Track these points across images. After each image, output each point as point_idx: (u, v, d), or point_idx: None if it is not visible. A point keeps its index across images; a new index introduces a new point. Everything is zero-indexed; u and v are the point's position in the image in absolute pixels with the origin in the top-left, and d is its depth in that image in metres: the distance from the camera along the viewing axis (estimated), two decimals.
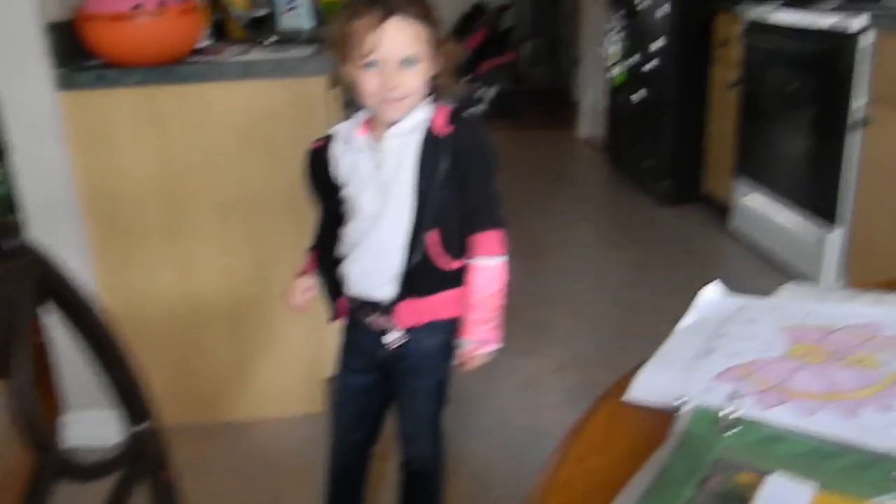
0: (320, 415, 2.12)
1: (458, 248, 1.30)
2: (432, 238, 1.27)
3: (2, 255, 0.45)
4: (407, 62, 1.19)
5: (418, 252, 1.27)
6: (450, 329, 1.36)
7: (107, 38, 1.82)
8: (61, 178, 1.88)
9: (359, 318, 1.38)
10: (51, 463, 0.48)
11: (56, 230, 1.89)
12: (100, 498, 0.61)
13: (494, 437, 2.03)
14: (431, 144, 1.25)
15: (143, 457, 0.59)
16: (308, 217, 1.96)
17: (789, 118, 2.88)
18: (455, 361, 1.35)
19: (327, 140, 1.35)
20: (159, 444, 0.61)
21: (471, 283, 1.30)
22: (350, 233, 1.33)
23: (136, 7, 1.76)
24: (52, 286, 0.50)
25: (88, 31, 1.83)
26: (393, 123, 1.25)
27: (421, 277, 1.29)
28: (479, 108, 5.93)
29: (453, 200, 1.27)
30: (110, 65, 1.87)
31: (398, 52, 1.18)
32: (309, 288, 1.42)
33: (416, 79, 1.22)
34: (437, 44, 1.24)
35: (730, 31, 3.32)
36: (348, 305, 1.40)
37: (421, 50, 1.21)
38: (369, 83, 1.21)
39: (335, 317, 1.43)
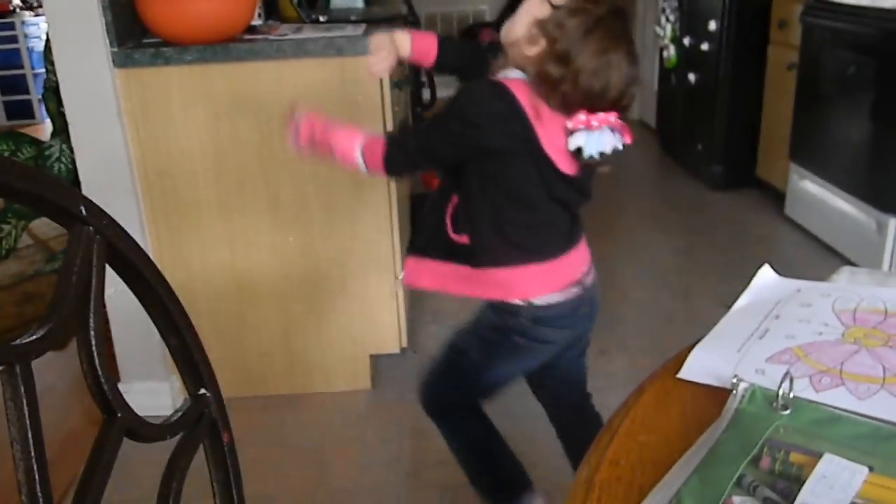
0: (366, 391, 2.15)
1: (469, 223, 1.28)
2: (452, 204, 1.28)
3: (79, 220, 0.47)
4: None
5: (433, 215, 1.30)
6: (499, 312, 1.34)
7: (163, 17, 1.85)
8: (118, 155, 1.92)
9: None
10: (119, 423, 0.50)
11: (112, 205, 1.91)
12: (157, 459, 0.63)
13: (539, 419, 2.03)
14: None
15: (204, 420, 0.61)
16: (354, 197, 1.99)
17: (848, 102, 2.80)
18: None
19: None
20: (219, 408, 0.63)
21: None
22: None
23: None
24: (121, 252, 0.52)
25: (145, 9, 1.86)
26: None
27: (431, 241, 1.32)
28: None
29: (469, 171, 1.25)
30: (166, 43, 1.90)
31: None
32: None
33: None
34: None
35: (788, 12, 3.23)
36: None
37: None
38: None
39: None
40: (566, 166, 1.21)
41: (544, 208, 1.25)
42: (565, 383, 1.53)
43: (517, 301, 1.29)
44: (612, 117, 1.17)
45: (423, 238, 1.33)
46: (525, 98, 1.17)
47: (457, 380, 1.44)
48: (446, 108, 1.22)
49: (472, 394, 1.46)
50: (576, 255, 1.32)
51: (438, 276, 1.33)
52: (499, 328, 1.34)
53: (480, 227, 1.27)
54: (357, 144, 1.28)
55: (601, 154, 1.18)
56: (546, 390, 1.55)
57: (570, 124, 1.16)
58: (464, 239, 1.28)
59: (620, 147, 1.20)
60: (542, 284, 1.28)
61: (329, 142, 1.31)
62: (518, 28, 1.19)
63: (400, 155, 1.27)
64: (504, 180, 1.23)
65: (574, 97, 1.15)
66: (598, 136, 1.17)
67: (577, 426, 1.54)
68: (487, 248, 1.28)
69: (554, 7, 1.15)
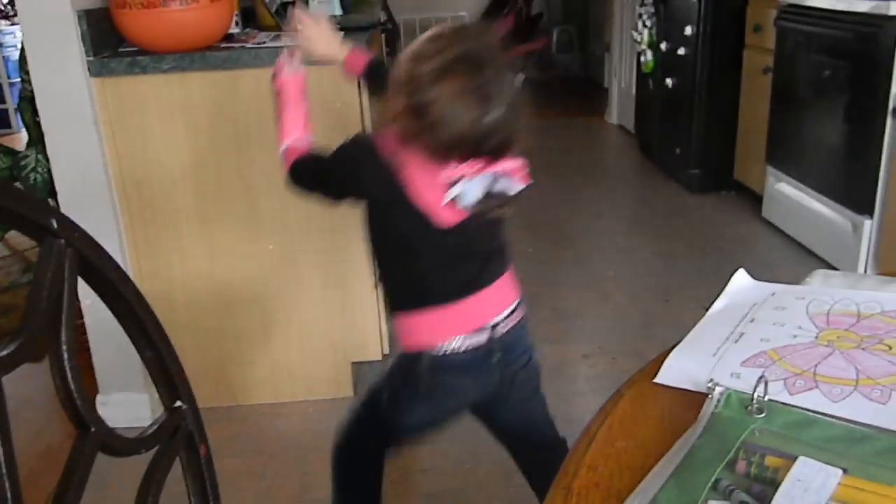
0: (348, 399, 2.15)
1: (382, 272, 1.30)
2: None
3: (50, 233, 0.46)
4: None
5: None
6: (404, 358, 1.30)
7: (139, 25, 1.84)
8: (94, 164, 1.91)
9: None
10: (92, 437, 0.49)
11: (89, 215, 1.92)
12: (134, 471, 0.63)
13: None
14: None
15: (180, 433, 0.61)
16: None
17: (824, 105, 2.83)
18: None
19: None
20: (195, 420, 0.62)
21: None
22: None
23: None
24: (93, 264, 0.52)
25: (121, 18, 1.85)
26: None
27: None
28: None
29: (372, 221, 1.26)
30: (142, 51, 1.89)
31: None
32: None
33: None
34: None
35: (763, 16, 3.27)
36: None
37: None
38: None
39: None
40: (449, 217, 1.16)
41: (433, 257, 1.22)
42: (526, 434, 1.43)
43: (416, 348, 1.26)
44: (483, 164, 1.13)
45: None
46: (392, 150, 1.15)
47: (370, 422, 1.39)
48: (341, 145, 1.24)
49: (382, 439, 1.40)
50: (482, 300, 1.25)
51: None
52: (403, 374, 1.31)
53: (383, 274, 1.29)
54: (289, 138, 1.33)
55: (483, 200, 1.15)
56: (508, 442, 1.46)
57: (443, 176, 1.13)
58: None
59: (514, 191, 1.17)
60: (438, 331, 1.24)
61: (281, 112, 1.37)
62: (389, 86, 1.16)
63: (300, 172, 1.30)
64: (389, 229, 1.23)
65: (436, 148, 1.11)
66: (473, 185, 1.13)
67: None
68: (389, 293, 1.30)
69: (412, 62, 1.11)
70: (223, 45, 1.96)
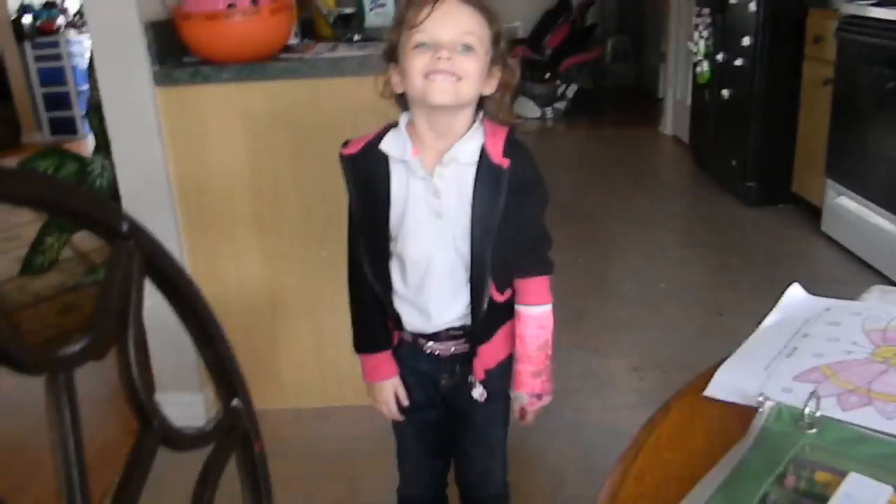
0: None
1: (505, 280, 1.19)
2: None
3: (121, 236, 0.49)
4: (463, 49, 1.06)
5: (483, 297, 1.16)
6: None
7: (202, 37, 1.90)
8: (156, 170, 1.97)
9: (417, 346, 1.26)
10: (155, 431, 0.52)
11: (150, 219, 1.95)
12: (187, 469, 0.65)
13: (569, 435, 2.03)
14: (490, 177, 1.11)
15: (236, 430, 0.63)
16: None
17: (887, 117, 2.76)
18: (514, 416, 1.26)
19: (368, 149, 1.22)
20: (251, 418, 0.64)
21: (521, 333, 1.19)
22: (404, 270, 1.21)
23: (229, 6, 1.83)
24: (160, 266, 0.54)
25: (184, 29, 1.91)
26: (446, 149, 1.12)
27: (486, 322, 1.19)
28: (561, 106, 5.89)
29: (505, 236, 1.14)
30: (205, 62, 1.95)
31: (453, 34, 1.05)
32: (396, 388, 1.30)
33: (472, 65, 1.07)
34: (497, 54, 1.12)
35: (823, 27, 3.21)
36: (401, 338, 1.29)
37: (478, 44, 1.07)
38: (417, 61, 1.06)
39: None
40: None
41: None
42: None
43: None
44: None
45: (478, 331, 1.21)
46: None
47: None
48: (544, 205, 1.18)
49: None
50: None
51: (496, 350, 1.24)
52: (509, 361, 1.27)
53: (508, 280, 1.23)
54: (550, 324, 1.21)
55: None
56: None
57: None
58: (506, 296, 1.21)
59: None
60: None
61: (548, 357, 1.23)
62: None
63: (551, 260, 1.21)
64: None
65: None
66: None
67: None
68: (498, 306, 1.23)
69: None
70: (282, 55, 2.00)
